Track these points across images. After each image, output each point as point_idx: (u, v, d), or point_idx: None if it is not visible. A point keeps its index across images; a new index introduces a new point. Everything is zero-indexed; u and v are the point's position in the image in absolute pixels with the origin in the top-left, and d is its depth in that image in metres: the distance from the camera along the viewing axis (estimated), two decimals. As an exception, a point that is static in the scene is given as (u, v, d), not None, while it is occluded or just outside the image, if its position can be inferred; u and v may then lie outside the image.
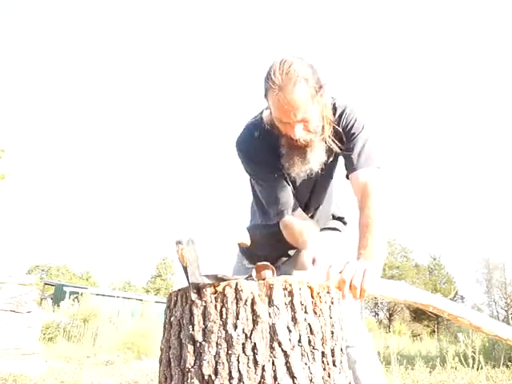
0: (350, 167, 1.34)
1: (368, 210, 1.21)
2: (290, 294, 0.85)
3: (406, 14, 51.98)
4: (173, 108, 64.28)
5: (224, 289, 0.84)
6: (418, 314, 28.77)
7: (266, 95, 1.26)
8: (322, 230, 1.57)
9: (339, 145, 1.36)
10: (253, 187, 1.56)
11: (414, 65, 53.30)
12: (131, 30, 59.74)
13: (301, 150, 1.31)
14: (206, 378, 0.79)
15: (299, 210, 1.43)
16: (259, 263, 0.90)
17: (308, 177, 1.42)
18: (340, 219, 1.62)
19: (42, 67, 58.68)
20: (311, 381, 0.82)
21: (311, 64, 1.26)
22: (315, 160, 1.33)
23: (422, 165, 55.82)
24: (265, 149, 1.40)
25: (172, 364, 0.85)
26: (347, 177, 1.37)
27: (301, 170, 1.34)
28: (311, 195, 1.49)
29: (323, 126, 1.33)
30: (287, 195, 1.41)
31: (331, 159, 1.39)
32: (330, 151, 1.37)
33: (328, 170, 1.43)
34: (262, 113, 1.45)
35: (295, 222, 1.37)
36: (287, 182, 1.43)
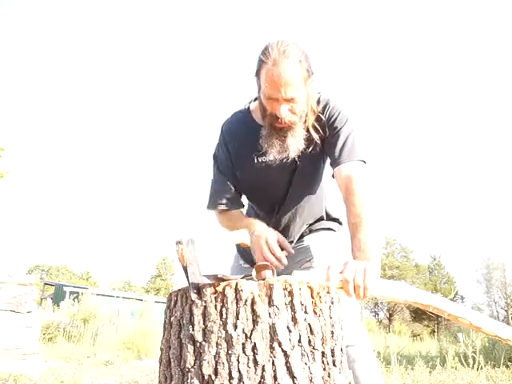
0: (334, 161, 1.33)
1: (355, 209, 1.20)
2: (290, 294, 0.85)
3: (405, 12, 52.00)
4: (173, 108, 64.28)
5: (224, 289, 0.84)
6: (418, 314, 28.74)
7: (258, 71, 1.27)
8: (317, 230, 1.55)
9: (320, 135, 1.36)
10: None
11: (412, 63, 53.31)
12: (131, 30, 59.73)
13: (282, 132, 1.30)
14: (206, 377, 0.79)
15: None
16: (259, 263, 0.90)
17: (284, 167, 1.40)
18: (335, 220, 1.61)
19: (41, 66, 58.68)
20: (311, 381, 0.82)
21: (305, 51, 1.28)
22: (294, 145, 1.32)
23: (422, 165, 55.83)
24: (244, 135, 1.42)
25: (172, 364, 0.85)
26: (332, 175, 1.35)
27: (278, 153, 1.33)
28: (289, 189, 1.45)
29: (307, 114, 1.33)
30: (231, 193, 1.46)
31: (310, 149, 1.37)
32: (309, 141, 1.36)
33: (308, 162, 1.41)
34: (250, 103, 1.49)
35: (228, 217, 1.45)
36: (257, 171, 1.43)
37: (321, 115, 1.37)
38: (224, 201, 1.45)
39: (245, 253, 1.60)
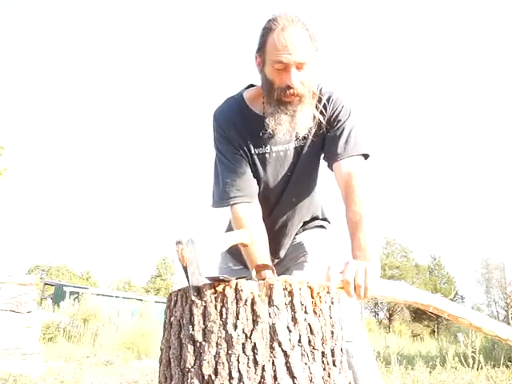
0: (334, 155, 1.30)
1: (355, 206, 1.18)
2: (290, 294, 0.85)
3: (406, 12, 52.01)
4: (174, 108, 64.30)
5: (224, 289, 0.84)
6: (418, 314, 28.75)
7: (262, 43, 1.23)
8: (310, 228, 1.54)
9: (323, 119, 1.32)
10: None
11: (413, 62, 53.32)
12: (131, 30, 59.76)
13: (291, 107, 1.24)
14: (206, 377, 0.79)
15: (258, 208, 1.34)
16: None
17: (283, 160, 1.37)
18: (326, 219, 1.60)
19: (40, 65, 58.70)
20: (311, 381, 0.82)
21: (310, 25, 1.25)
22: (303, 122, 1.26)
23: (422, 165, 55.84)
24: (239, 124, 1.36)
25: (172, 364, 0.85)
26: (331, 168, 1.32)
27: (287, 130, 1.26)
28: (288, 184, 1.41)
29: (312, 92, 1.29)
30: (246, 181, 1.32)
31: (314, 132, 1.33)
32: (315, 122, 1.31)
33: (308, 157, 1.38)
34: (242, 91, 1.43)
35: (247, 220, 1.28)
36: (253, 164, 1.37)
37: (326, 104, 1.34)
38: (238, 193, 1.31)
39: (238, 254, 1.56)
